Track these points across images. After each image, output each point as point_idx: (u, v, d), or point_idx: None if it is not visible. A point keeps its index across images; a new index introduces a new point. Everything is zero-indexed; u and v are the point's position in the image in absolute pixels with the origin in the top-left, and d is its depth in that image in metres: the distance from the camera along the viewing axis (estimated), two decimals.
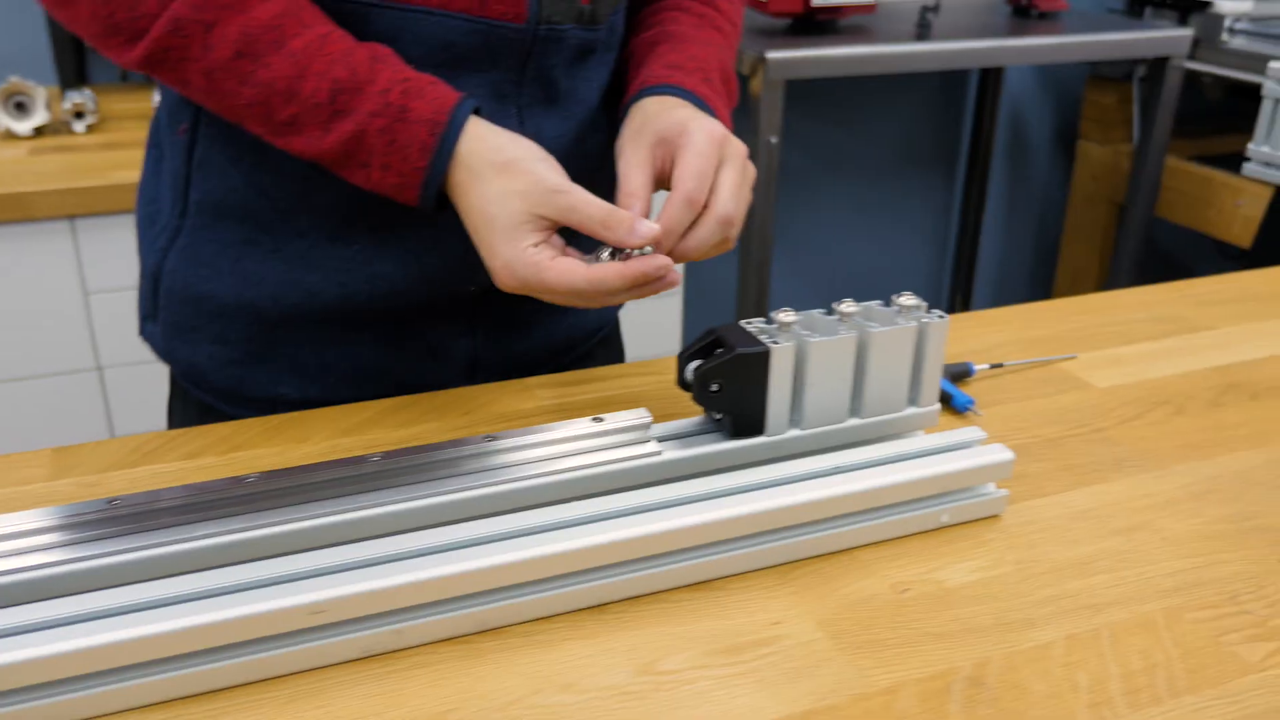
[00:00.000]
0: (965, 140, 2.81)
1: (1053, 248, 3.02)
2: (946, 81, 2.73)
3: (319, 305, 0.80)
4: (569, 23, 0.78)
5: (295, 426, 0.77)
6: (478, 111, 0.71)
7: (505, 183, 0.68)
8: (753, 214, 1.98)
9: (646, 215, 0.73)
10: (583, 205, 0.68)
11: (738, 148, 0.74)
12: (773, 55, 1.83)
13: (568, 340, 0.95)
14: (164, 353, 0.86)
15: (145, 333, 0.87)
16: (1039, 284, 3.08)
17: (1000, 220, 2.95)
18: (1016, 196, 2.95)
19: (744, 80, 1.91)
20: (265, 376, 0.83)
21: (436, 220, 0.76)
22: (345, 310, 0.81)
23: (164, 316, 0.84)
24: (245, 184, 0.78)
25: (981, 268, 2.97)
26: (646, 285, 0.69)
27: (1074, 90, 2.83)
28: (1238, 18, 2.24)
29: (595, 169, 0.85)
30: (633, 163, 0.74)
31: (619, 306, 1.00)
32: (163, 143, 0.83)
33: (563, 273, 0.67)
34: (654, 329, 2.03)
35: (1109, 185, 2.65)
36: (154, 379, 1.37)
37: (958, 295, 2.95)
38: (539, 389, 0.84)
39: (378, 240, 0.80)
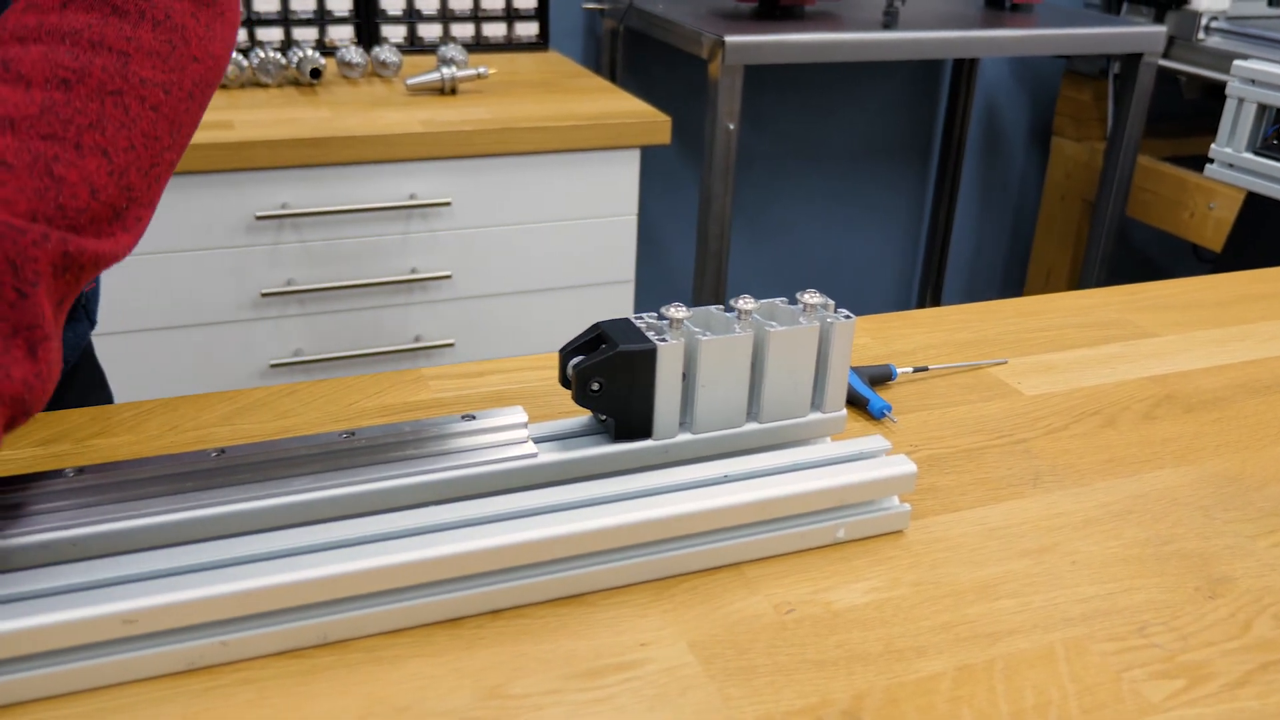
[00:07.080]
0: (939, 133, 2.76)
1: (1026, 244, 2.98)
2: (921, 72, 2.68)
3: None
4: None
5: (165, 412, 0.72)
6: None
7: None
8: (710, 202, 1.93)
9: None
10: None
11: None
12: (731, 39, 1.78)
13: None
14: None
15: None
16: (1011, 281, 3.04)
17: (973, 215, 2.91)
18: (990, 191, 2.90)
19: (703, 64, 1.86)
20: None
21: None
22: None
23: None
24: None
25: (953, 263, 2.93)
26: None
27: (1051, 85, 2.78)
28: (1214, 16, 2.20)
29: None
30: None
31: (88, 333, 0.86)
32: None
33: None
34: None
35: (1083, 183, 2.61)
36: None
37: (928, 290, 2.90)
38: (433, 380, 0.79)
39: None
